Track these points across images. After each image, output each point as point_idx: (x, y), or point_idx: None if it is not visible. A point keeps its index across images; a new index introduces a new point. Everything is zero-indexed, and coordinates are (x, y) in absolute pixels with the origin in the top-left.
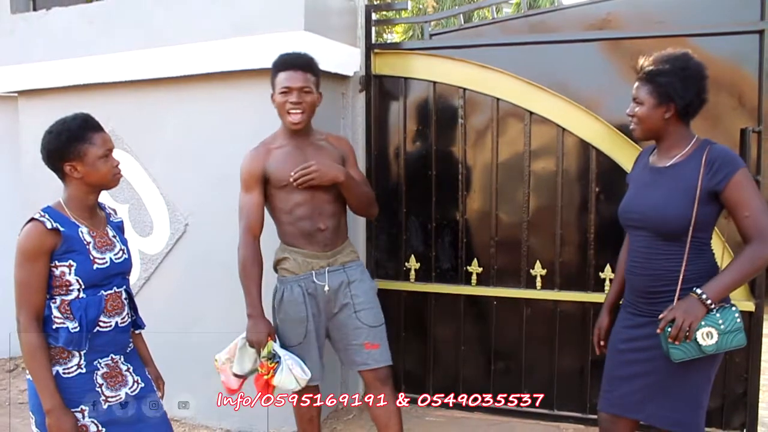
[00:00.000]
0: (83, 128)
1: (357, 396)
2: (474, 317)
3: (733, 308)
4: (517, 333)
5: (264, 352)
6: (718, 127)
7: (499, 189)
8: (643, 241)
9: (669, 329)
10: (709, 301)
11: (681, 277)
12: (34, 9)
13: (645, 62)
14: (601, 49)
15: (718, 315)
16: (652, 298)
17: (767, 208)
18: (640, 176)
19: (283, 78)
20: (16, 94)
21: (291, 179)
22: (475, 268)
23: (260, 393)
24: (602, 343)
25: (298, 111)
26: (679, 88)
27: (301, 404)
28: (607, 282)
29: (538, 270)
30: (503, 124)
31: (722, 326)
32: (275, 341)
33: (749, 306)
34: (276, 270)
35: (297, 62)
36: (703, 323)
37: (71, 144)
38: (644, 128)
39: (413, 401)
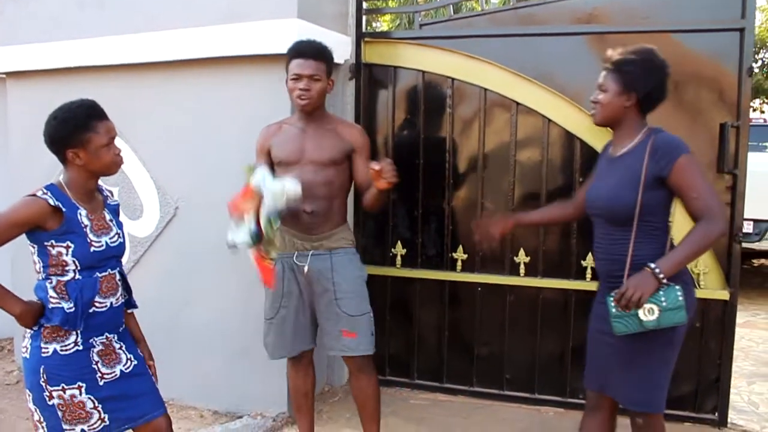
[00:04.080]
0: (89, 116)
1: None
2: (458, 303)
3: (677, 287)
4: (500, 319)
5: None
6: (699, 120)
7: (485, 178)
8: (602, 227)
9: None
10: (662, 275)
11: (629, 260)
12: None
13: (612, 53)
14: (587, 43)
15: (661, 293)
16: (612, 282)
17: (713, 189)
18: (599, 166)
19: (294, 65)
20: (4, 76)
21: (379, 169)
22: (460, 254)
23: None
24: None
25: (305, 98)
26: (643, 77)
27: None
28: (589, 270)
29: (522, 257)
30: (490, 114)
31: (664, 303)
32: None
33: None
34: None
35: (308, 50)
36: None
37: (76, 132)
38: (604, 114)
39: (398, 384)
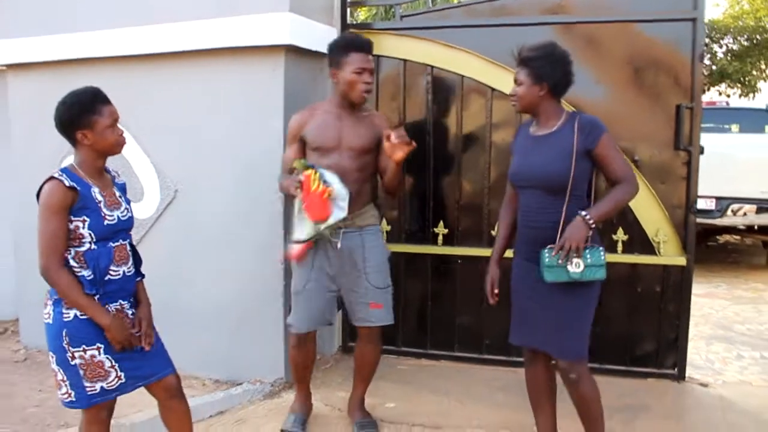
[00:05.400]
0: (93, 101)
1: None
2: (440, 275)
3: (600, 249)
4: (479, 288)
5: (297, 165)
6: (658, 103)
7: (463, 158)
8: (533, 197)
9: (557, 257)
10: (591, 221)
11: (562, 223)
12: None
13: (521, 50)
14: (556, 32)
15: (587, 251)
16: (547, 245)
17: (626, 160)
18: (523, 145)
19: (359, 59)
20: (4, 68)
21: (393, 137)
22: (441, 229)
23: (321, 212)
24: (496, 291)
25: (370, 89)
26: (549, 69)
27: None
28: None
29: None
30: (467, 99)
31: (589, 260)
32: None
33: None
34: None
35: (368, 46)
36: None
37: (82, 114)
38: (523, 104)
39: (385, 352)
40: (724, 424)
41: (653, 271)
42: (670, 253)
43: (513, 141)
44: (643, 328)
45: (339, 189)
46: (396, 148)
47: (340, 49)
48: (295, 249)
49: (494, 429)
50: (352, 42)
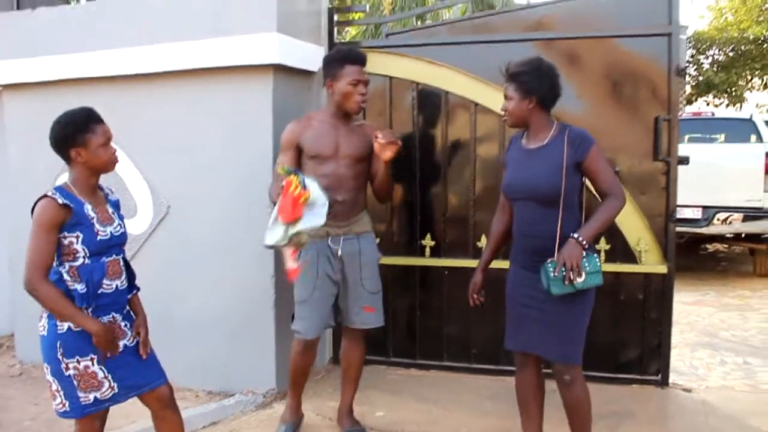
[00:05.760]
0: (87, 120)
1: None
2: (428, 286)
3: (596, 256)
4: (466, 299)
5: (281, 171)
6: (637, 114)
7: (449, 171)
8: (527, 209)
9: (562, 272)
10: (584, 242)
11: (558, 234)
12: (18, 8)
13: (509, 66)
14: (537, 48)
15: (585, 261)
16: (543, 254)
17: (614, 173)
18: (516, 158)
19: (354, 71)
20: (0, 88)
21: (380, 137)
22: (428, 241)
23: (291, 213)
24: (475, 296)
25: (365, 100)
26: (536, 83)
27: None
28: None
29: (484, 242)
30: (452, 114)
31: (588, 268)
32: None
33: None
34: None
35: (363, 59)
36: None
37: (76, 133)
38: (514, 119)
39: (375, 363)
40: (707, 428)
41: (635, 279)
42: (651, 262)
43: (505, 153)
44: (626, 335)
45: (317, 195)
46: (384, 148)
47: (336, 61)
48: (290, 265)
49: None
50: (347, 55)
